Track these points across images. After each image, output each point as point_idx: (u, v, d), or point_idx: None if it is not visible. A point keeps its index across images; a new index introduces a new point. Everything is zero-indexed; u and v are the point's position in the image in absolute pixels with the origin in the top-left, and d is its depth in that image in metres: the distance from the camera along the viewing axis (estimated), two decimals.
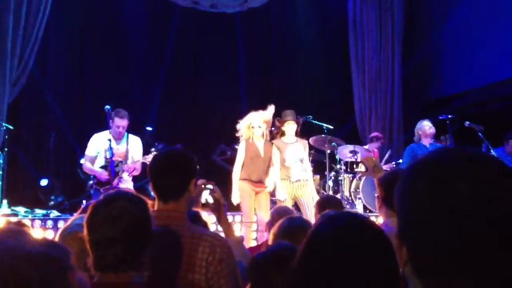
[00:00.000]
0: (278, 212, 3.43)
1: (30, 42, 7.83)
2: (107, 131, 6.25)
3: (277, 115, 6.35)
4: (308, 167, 6.52)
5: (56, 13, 8.18)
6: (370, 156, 8.14)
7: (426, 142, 6.77)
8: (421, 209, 0.85)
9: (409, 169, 0.91)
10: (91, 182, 6.42)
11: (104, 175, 6.21)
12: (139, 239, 1.83)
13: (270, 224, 3.21)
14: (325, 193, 7.67)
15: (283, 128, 6.36)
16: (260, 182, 6.02)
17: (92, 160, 6.32)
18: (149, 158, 6.08)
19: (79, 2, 8.79)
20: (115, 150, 6.21)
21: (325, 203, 3.68)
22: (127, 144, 6.31)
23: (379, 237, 1.18)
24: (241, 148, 6.08)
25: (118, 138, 6.29)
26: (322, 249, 1.15)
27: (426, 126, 6.83)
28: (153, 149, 6.39)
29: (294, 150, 6.31)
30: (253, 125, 6.00)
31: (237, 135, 6.15)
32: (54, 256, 0.79)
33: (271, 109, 6.06)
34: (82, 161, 6.52)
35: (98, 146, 6.29)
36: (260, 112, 6.07)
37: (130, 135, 6.39)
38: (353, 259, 1.12)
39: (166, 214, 2.19)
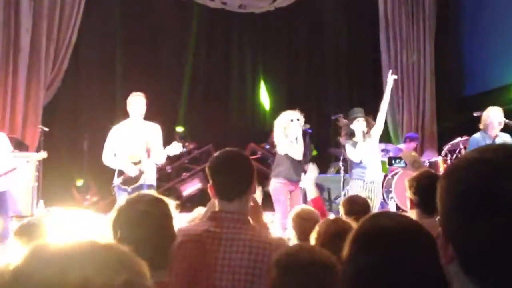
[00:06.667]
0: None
1: (64, 45, 8.02)
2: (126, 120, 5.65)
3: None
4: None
5: (88, 15, 8.34)
6: (409, 151, 7.98)
7: (493, 133, 6.00)
8: (466, 204, 0.84)
9: (454, 165, 0.91)
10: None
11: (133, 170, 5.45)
12: (162, 240, 1.89)
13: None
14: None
15: (352, 127, 5.85)
16: (297, 182, 5.61)
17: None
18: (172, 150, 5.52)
19: (111, 6, 8.93)
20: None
21: (351, 202, 3.69)
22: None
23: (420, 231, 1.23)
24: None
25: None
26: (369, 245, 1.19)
27: (495, 116, 6.02)
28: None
29: (368, 149, 5.83)
30: (293, 117, 5.56)
31: (273, 139, 5.73)
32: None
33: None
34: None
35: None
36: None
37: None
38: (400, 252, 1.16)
39: (230, 216, 2.14)
